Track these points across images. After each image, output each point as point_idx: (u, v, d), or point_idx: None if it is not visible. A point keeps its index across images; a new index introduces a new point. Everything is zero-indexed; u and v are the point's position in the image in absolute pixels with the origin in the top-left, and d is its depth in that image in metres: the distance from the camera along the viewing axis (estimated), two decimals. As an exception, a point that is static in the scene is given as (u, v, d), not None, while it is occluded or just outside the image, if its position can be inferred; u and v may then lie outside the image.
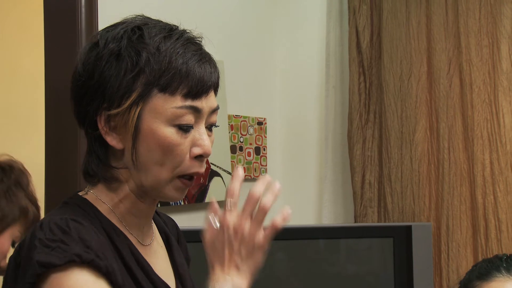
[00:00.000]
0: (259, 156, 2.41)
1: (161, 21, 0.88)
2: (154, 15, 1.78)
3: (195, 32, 0.89)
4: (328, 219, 2.45)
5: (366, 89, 2.36)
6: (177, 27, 0.87)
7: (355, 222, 2.36)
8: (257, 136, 2.42)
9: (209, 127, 0.87)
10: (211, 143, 0.87)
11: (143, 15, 0.89)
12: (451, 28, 2.15)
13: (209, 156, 0.90)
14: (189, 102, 0.82)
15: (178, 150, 0.82)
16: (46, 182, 1.84)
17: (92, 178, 0.87)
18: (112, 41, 0.83)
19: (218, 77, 0.87)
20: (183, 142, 0.82)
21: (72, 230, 0.77)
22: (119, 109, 0.81)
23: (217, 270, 0.80)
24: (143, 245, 0.91)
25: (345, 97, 2.43)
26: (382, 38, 2.29)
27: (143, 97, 0.82)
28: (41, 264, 0.74)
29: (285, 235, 2.02)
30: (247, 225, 0.81)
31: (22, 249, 0.78)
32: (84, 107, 0.84)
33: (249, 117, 2.36)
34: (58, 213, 0.83)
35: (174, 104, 0.82)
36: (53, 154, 1.84)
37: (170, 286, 0.90)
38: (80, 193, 0.89)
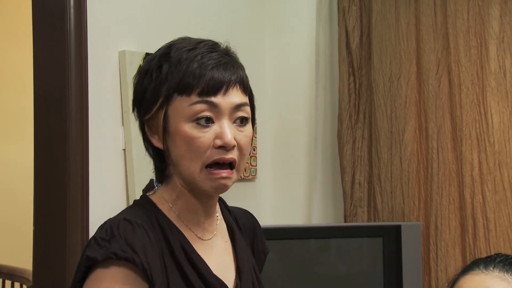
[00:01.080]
0: (249, 157, 2.36)
1: (199, 39, 0.96)
2: (143, 17, 1.71)
3: (226, 44, 0.96)
4: (318, 219, 2.46)
5: (356, 89, 2.38)
6: (203, 40, 0.95)
7: (345, 222, 2.37)
8: None
9: (238, 122, 0.92)
10: (246, 138, 0.93)
11: (186, 36, 0.98)
12: (439, 29, 2.17)
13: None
14: (203, 98, 0.90)
15: (199, 142, 0.89)
16: (35, 184, 1.84)
17: (156, 178, 0.98)
18: (149, 61, 0.95)
19: (240, 77, 0.93)
20: (202, 135, 0.89)
21: (120, 230, 0.88)
22: (150, 114, 0.93)
23: None
24: (202, 240, 0.97)
25: (335, 97, 2.44)
26: (371, 39, 2.30)
27: (167, 101, 0.91)
28: (88, 258, 0.87)
29: (275, 235, 2.01)
30: None
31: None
32: (137, 118, 0.97)
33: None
34: (122, 212, 0.94)
35: (190, 102, 0.90)
36: (42, 156, 1.85)
37: (223, 281, 0.96)
38: (149, 193, 0.99)
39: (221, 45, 0.96)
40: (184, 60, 0.91)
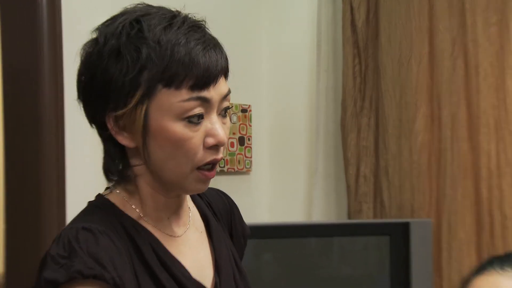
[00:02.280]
0: (243, 147, 2.34)
1: (163, 8, 0.89)
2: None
3: (198, 16, 0.90)
4: (319, 216, 2.38)
5: (362, 72, 2.29)
6: (179, 13, 0.89)
7: (349, 219, 2.31)
8: (241, 125, 2.37)
9: (223, 113, 0.89)
10: (227, 129, 0.90)
11: (144, 3, 0.90)
12: (455, 4, 2.08)
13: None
14: (196, 94, 0.84)
15: (191, 144, 0.85)
16: (6, 178, 1.78)
17: (112, 177, 0.91)
18: (111, 38, 0.85)
19: (227, 62, 0.89)
20: (194, 135, 0.85)
21: (81, 243, 0.82)
22: (125, 109, 0.84)
23: None
24: (174, 237, 0.94)
25: (339, 82, 2.35)
26: (379, 16, 2.22)
27: (148, 94, 0.84)
28: (47, 281, 0.80)
29: (273, 234, 2.03)
30: None
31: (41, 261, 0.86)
32: (91, 107, 0.87)
33: (232, 104, 2.31)
34: (78, 219, 0.89)
35: (180, 97, 0.83)
36: (13, 150, 1.77)
37: (201, 283, 0.93)
38: (104, 193, 0.93)
39: (191, 16, 0.90)
40: (165, 43, 0.84)
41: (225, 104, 0.88)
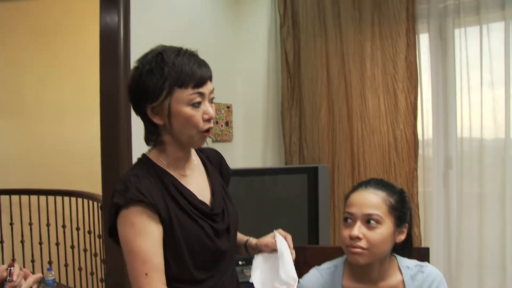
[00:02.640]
0: (228, 127, 2.72)
1: (173, 46, 1.04)
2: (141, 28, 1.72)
3: (194, 49, 1.05)
4: (270, 164, 2.91)
5: (292, 86, 2.84)
6: (182, 48, 1.04)
7: (286, 165, 2.81)
8: (227, 115, 2.70)
9: (211, 101, 1.04)
10: (214, 109, 1.03)
11: (162, 45, 1.05)
12: (339, 51, 2.70)
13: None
14: (196, 90, 1.00)
15: (195, 118, 1.01)
16: (102, 147, 2.02)
17: (149, 143, 1.07)
18: (147, 64, 1.01)
19: (211, 72, 1.04)
20: (196, 114, 1.01)
21: (132, 183, 0.98)
22: (157, 102, 1.00)
23: None
24: (185, 176, 1.08)
25: (279, 91, 2.89)
26: (300, 57, 2.80)
27: (170, 93, 0.99)
28: (114, 203, 0.97)
29: (244, 174, 2.34)
30: None
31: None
32: (137, 103, 1.03)
33: (221, 103, 2.70)
34: (131, 169, 1.03)
35: (187, 93, 0.99)
36: (106, 135, 2.03)
37: (205, 201, 1.07)
38: (146, 153, 1.08)
39: (190, 50, 1.04)
40: (178, 64, 0.99)
41: (212, 95, 1.04)
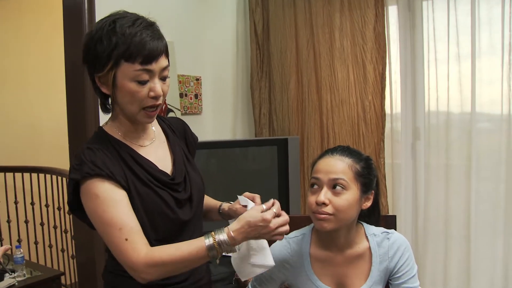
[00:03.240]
0: (197, 99, 2.74)
1: (133, 14, 1.00)
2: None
3: (153, 19, 1.02)
4: (239, 136, 2.91)
5: (261, 58, 2.82)
6: (142, 17, 1.00)
7: (256, 137, 2.81)
8: (196, 87, 2.71)
9: (163, 79, 1.01)
10: (167, 88, 1.00)
11: (123, 10, 1.01)
12: (308, 22, 2.68)
13: (166, 99, 1.00)
14: (143, 67, 0.97)
15: (139, 94, 0.99)
16: (69, 125, 2.07)
17: (105, 112, 1.07)
18: (99, 29, 0.98)
19: (166, 47, 0.99)
20: (141, 90, 0.98)
21: (86, 156, 0.97)
22: (102, 73, 0.98)
23: (233, 225, 0.94)
24: (143, 146, 1.07)
25: (248, 62, 2.87)
26: (269, 28, 2.78)
27: (116, 64, 0.96)
28: (72, 179, 0.97)
29: (214, 146, 2.33)
30: (273, 221, 0.95)
31: None
32: (88, 70, 1.02)
33: (190, 75, 2.70)
34: (87, 142, 1.01)
35: (133, 68, 0.96)
36: (72, 111, 2.06)
37: (165, 171, 1.06)
38: (102, 125, 1.08)
39: (150, 21, 1.01)
40: (128, 35, 0.95)
41: (164, 73, 1.00)
